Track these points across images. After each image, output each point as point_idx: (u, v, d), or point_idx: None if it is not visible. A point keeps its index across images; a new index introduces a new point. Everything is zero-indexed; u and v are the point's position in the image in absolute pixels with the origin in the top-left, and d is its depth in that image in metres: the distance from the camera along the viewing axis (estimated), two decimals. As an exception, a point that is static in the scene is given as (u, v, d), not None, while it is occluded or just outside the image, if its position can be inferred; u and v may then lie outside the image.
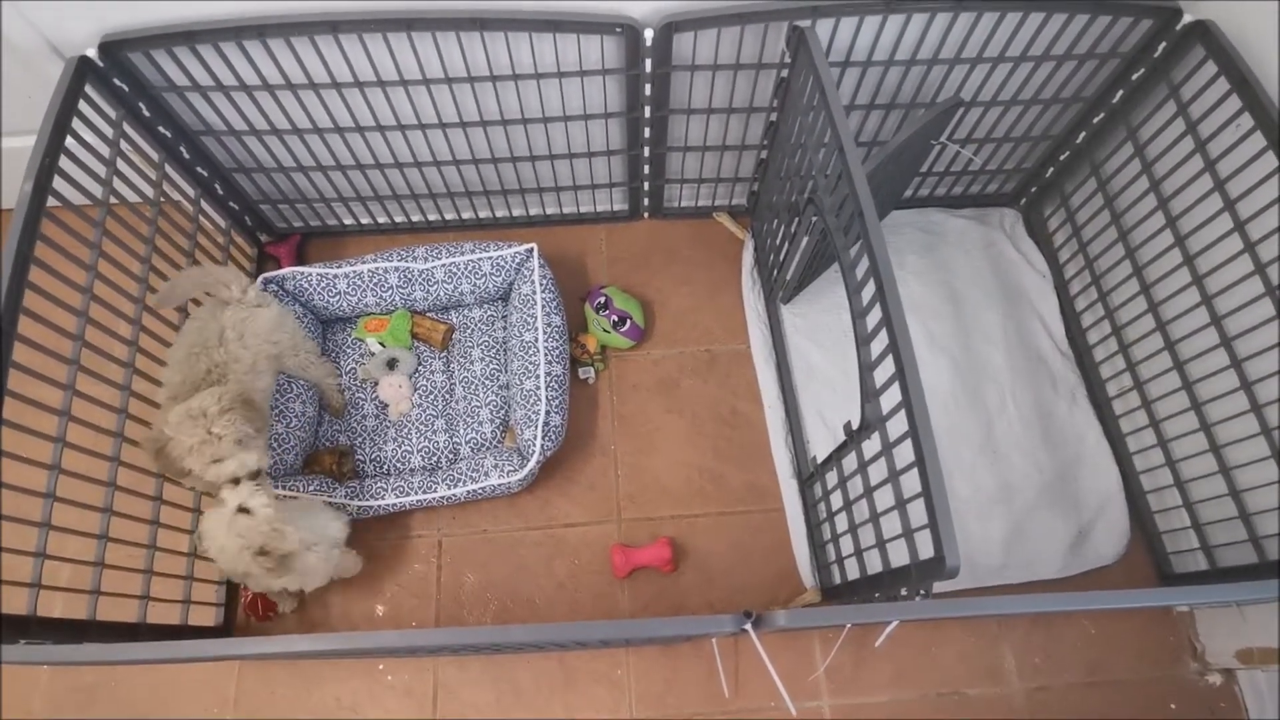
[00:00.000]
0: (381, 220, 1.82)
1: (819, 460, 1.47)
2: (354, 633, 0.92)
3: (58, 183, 1.17)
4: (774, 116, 1.53)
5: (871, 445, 1.19)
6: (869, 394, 1.14)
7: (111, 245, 1.28)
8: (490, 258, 1.63)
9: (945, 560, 0.91)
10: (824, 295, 1.75)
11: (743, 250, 1.83)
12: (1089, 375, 1.69)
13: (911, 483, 1.05)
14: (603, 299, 1.69)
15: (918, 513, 1.01)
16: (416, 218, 1.82)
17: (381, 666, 1.48)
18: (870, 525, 1.21)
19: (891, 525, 1.13)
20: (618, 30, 1.30)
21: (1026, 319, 1.76)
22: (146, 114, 1.38)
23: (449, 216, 1.82)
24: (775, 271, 1.68)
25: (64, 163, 1.19)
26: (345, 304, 1.65)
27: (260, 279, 1.59)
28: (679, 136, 1.61)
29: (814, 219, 1.39)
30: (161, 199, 1.41)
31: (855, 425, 1.22)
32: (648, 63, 1.37)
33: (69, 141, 1.20)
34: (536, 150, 1.60)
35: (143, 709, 1.44)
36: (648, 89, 1.44)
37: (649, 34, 1.31)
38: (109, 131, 1.30)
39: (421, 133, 1.51)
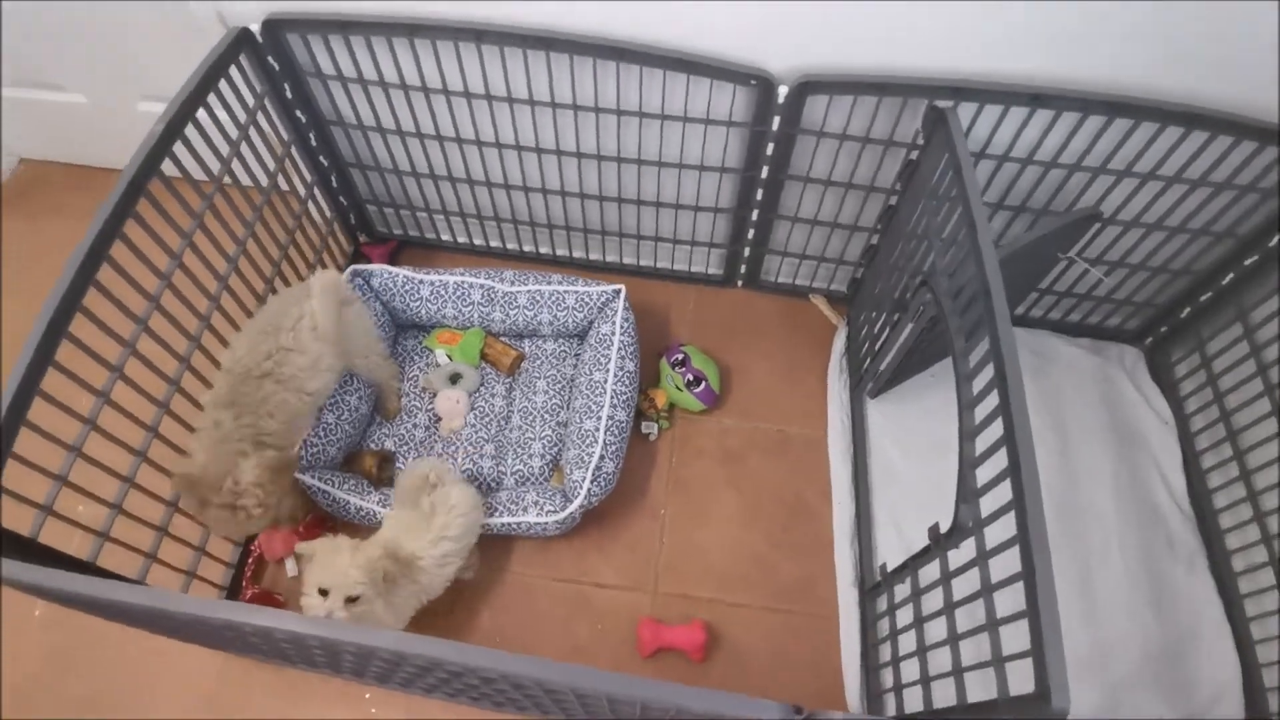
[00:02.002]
0: (477, 242, 1.83)
1: (889, 568, 1.31)
2: (340, 623, 0.82)
3: (179, 149, 1.19)
4: (893, 200, 1.47)
5: (959, 556, 1.05)
6: (967, 494, 1.01)
7: (213, 221, 1.29)
8: (576, 292, 1.59)
9: (1051, 698, 0.74)
10: (915, 397, 1.62)
11: (835, 336, 1.74)
12: (1212, 542, 1.48)
13: (1007, 601, 0.90)
14: (680, 356, 1.62)
15: (1013, 637, 0.85)
16: (511, 245, 1.82)
17: (369, 696, 1.35)
18: (946, 649, 1.04)
19: (974, 651, 0.97)
20: (752, 82, 1.28)
21: (1143, 467, 1.57)
22: (289, 95, 1.44)
23: (543, 250, 1.81)
24: (868, 362, 1.57)
25: (191, 133, 1.21)
26: (424, 311, 1.63)
27: (350, 269, 1.59)
28: (790, 206, 1.56)
29: (921, 307, 1.30)
30: (275, 185, 1.44)
31: (943, 530, 1.07)
32: (776, 120, 1.35)
33: (204, 112, 1.24)
34: (645, 195, 1.58)
35: (116, 686, 1.35)
36: (770, 148, 1.41)
37: (783, 91, 1.29)
38: (249, 102, 1.35)
39: (537, 157, 1.52)
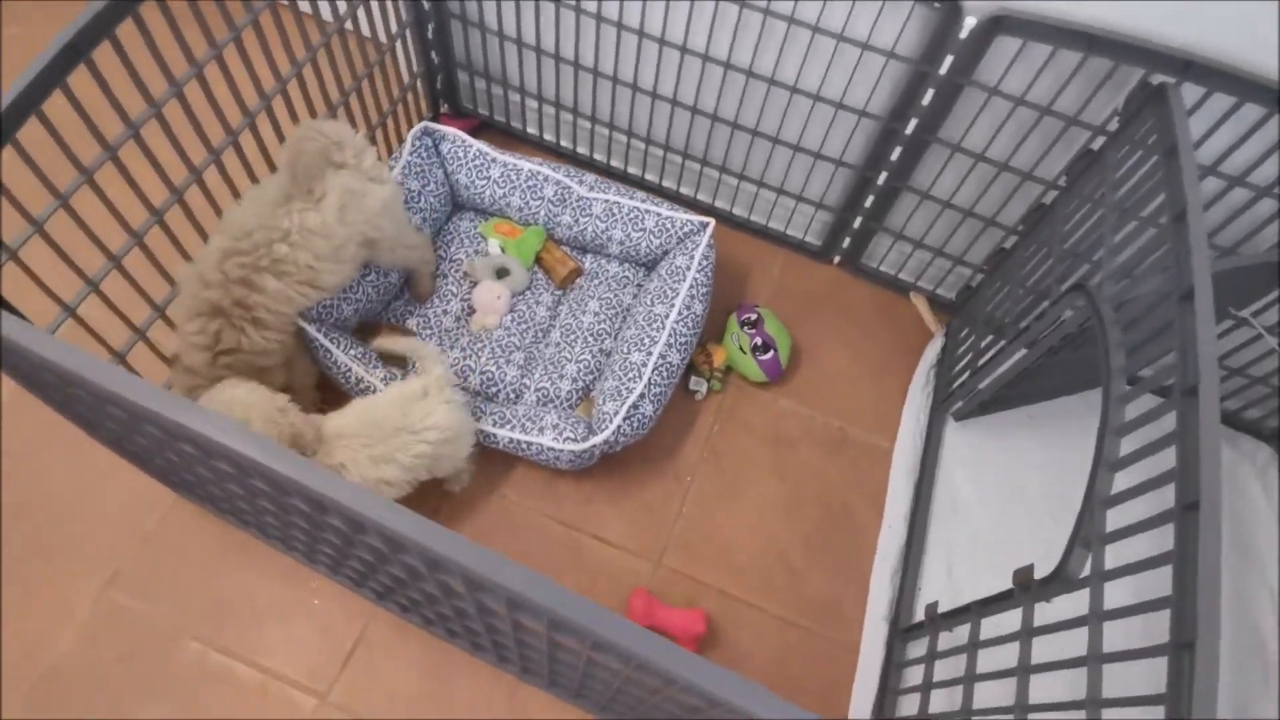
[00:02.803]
0: (564, 144, 1.65)
1: (940, 609, 1.09)
2: (308, 465, 0.64)
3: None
4: (1049, 197, 1.25)
5: (1051, 611, 0.84)
6: (1090, 538, 0.79)
7: (256, 42, 1.08)
8: (659, 214, 1.40)
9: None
10: (1004, 433, 1.40)
11: (929, 344, 1.52)
12: (1321, 689, 1.23)
13: (1115, 677, 0.69)
14: (754, 316, 1.42)
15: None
16: (599, 156, 1.64)
17: (315, 585, 1.18)
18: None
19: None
20: (936, 4, 1.08)
21: (1252, 585, 1.33)
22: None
23: (631, 170, 1.63)
24: (962, 379, 1.35)
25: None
26: (489, 194, 1.45)
27: (421, 125, 1.43)
28: (924, 179, 1.35)
29: (1058, 323, 1.08)
30: (354, 15, 1.26)
31: (1037, 576, 0.86)
32: (947, 61, 1.14)
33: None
34: (764, 125, 1.38)
35: (52, 499, 1.21)
36: (928, 97, 1.20)
37: (969, 22, 1.08)
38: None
39: (658, 49, 1.33)
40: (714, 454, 1.37)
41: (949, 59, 1.14)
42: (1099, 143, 1.14)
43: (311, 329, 1.21)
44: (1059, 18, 1.04)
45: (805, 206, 1.51)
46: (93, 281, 0.97)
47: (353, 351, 1.24)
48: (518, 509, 1.28)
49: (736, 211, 1.61)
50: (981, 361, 1.30)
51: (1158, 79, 1.02)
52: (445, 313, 1.39)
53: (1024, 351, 1.20)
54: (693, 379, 1.42)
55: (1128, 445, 0.81)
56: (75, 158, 0.89)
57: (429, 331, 1.37)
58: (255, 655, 1.13)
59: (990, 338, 1.30)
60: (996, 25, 1.07)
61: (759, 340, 1.40)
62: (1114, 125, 1.11)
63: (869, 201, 1.43)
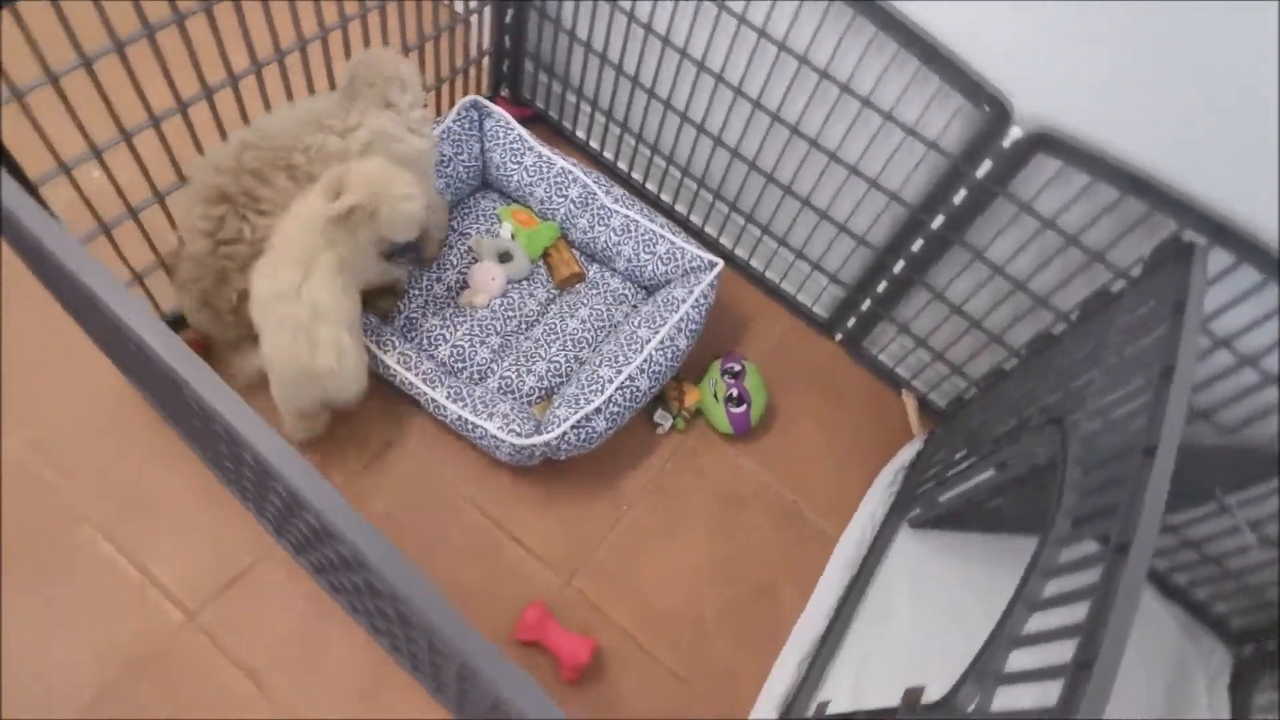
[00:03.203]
0: (607, 154, 1.65)
1: (828, 709, 1.03)
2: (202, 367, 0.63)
3: None
4: (1059, 328, 1.22)
5: (932, 741, 0.78)
6: (985, 674, 0.74)
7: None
8: (672, 242, 1.39)
9: None
10: (957, 551, 1.34)
11: (907, 445, 1.47)
12: None
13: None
14: (738, 367, 1.39)
15: None
16: (636, 174, 1.64)
17: (227, 508, 1.16)
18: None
19: None
20: (986, 108, 1.07)
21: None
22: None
23: (663, 196, 1.63)
24: (928, 486, 1.30)
25: None
26: (516, 179, 1.46)
27: (470, 99, 1.44)
28: (940, 280, 1.32)
29: (1026, 454, 1.04)
30: None
31: (927, 699, 0.81)
32: (985, 165, 1.12)
33: None
34: (798, 184, 1.37)
35: (7, 362, 1.21)
36: (959, 197, 1.18)
37: (1014, 133, 1.06)
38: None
39: (713, 84, 1.33)
40: (659, 491, 1.33)
41: (987, 164, 1.12)
42: (1119, 285, 1.11)
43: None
44: (1104, 150, 1.02)
45: (820, 276, 1.49)
46: (97, 149, 0.99)
47: None
48: (447, 490, 1.25)
49: (754, 263, 1.59)
50: (950, 473, 1.25)
51: (1190, 235, 0.99)
52: (439, 280, 1.39)
53: (992, 473, 1.15)
54: (659, 412, 1.39)
55: (1058, 588, 0.77)
56: (112, 29, 0.91)
57: (417, 291, 1.36)
58: (144, 557, 1.11)
59: (964, 452, 1.25)
60: (1040, 142, 1.05)
61: (735, 392, 1.37)
62: (1137, 272, 1.08)
63: (882, 286, 1.40)
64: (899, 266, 1.35)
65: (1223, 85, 0.92)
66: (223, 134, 1.14)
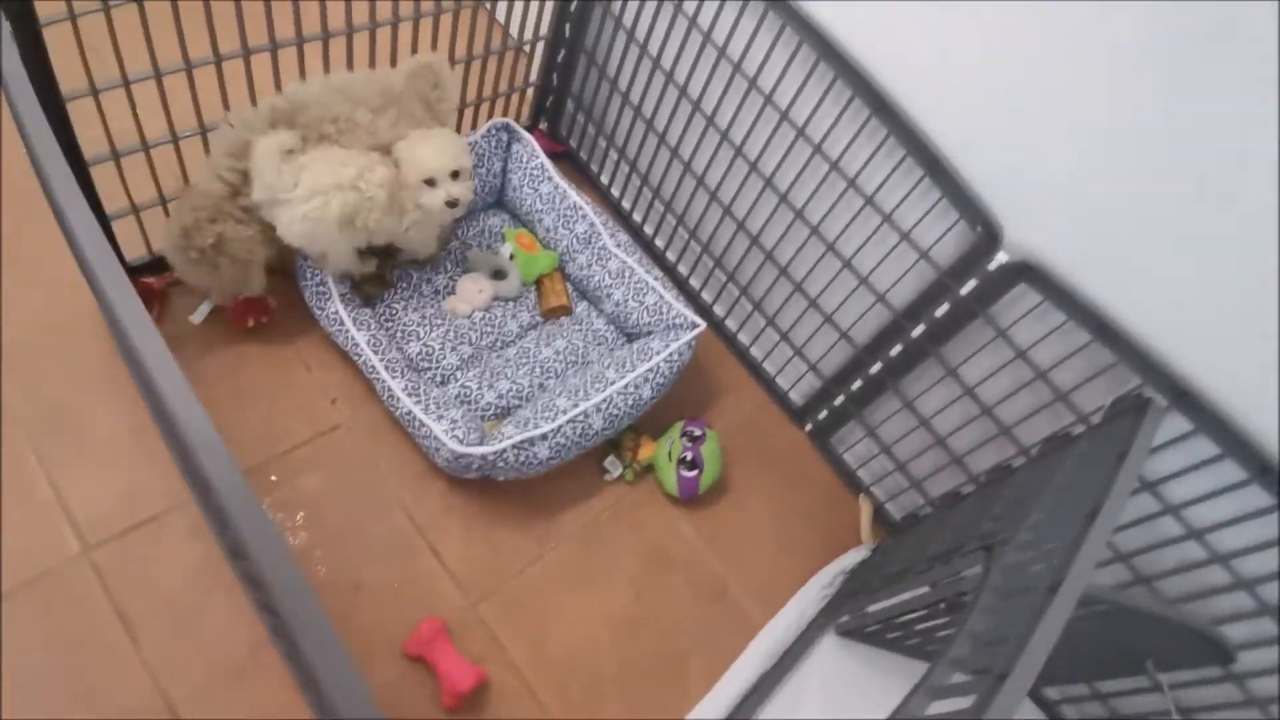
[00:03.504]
0: (625, 204, 1.70)
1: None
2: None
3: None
4: (1019, 461, 1.20)
5: None
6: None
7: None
8: (661, 296, 1.41)
9: None
10: (880, 668, 1.29)
11: (853, 550, 1.44)
12: None
13: None
14: (700, 432, 1.38)
15: None
16: (649, 228, 1.67)
17: (154, 450, 1.15)
18: None
19: None
20: (978, 228, 1.09)
21: None
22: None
23: (670, 255, 1.65)
24: (861, 599, 1.27)
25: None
26: (528, 204, 1.50)
27: (504, 120, 1.50)
28: (912, 389, 1.32)
29: (954, 577, 1.02)
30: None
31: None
32: (969, 284, 1.14)
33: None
34: (795, 268, 1.39)
35: None
36: (941, 310, 1.19)
37: (1002, 257, 1.08)
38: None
39: (731, 155, 1.37)
40: (589, 536, 1.30)
41: (973, 283, 1.13)
42: (1080, 429, 1.10)
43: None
44: (1082, 291, 1.03)
45: (800, 363, 1.49)
46: (127, 79, 1.03)
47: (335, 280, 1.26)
48: (382, 484, 1.24)
49: (741, 337, 1.60)
50: (881, 583, 1.22)
51: (1151, 393, 0.99)
52: (429, 282, 1.41)
53: (924, 590, 1.12)
54: (611, 458, 1.37)
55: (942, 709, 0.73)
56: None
57: (405, 286, 1.38)
58: (62, 478, 1.09)
59: (900, 565, 1.22)
60: (1023, 272, 1.07)
61: (690, 456, 1.35)
62: (1097, 419, 1.07)
63: (857, 385, 1.40)
64: (876, 368, 1.35)
65: (1217, 255, 0.93)
66: (253, 96, 1.18)
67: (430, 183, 1.17)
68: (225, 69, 1.11)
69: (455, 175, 1.18)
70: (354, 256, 1.24)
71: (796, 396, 1.56)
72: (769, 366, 1.58)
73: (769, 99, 1.27)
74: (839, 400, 1.45)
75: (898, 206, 1.18)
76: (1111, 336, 1.02)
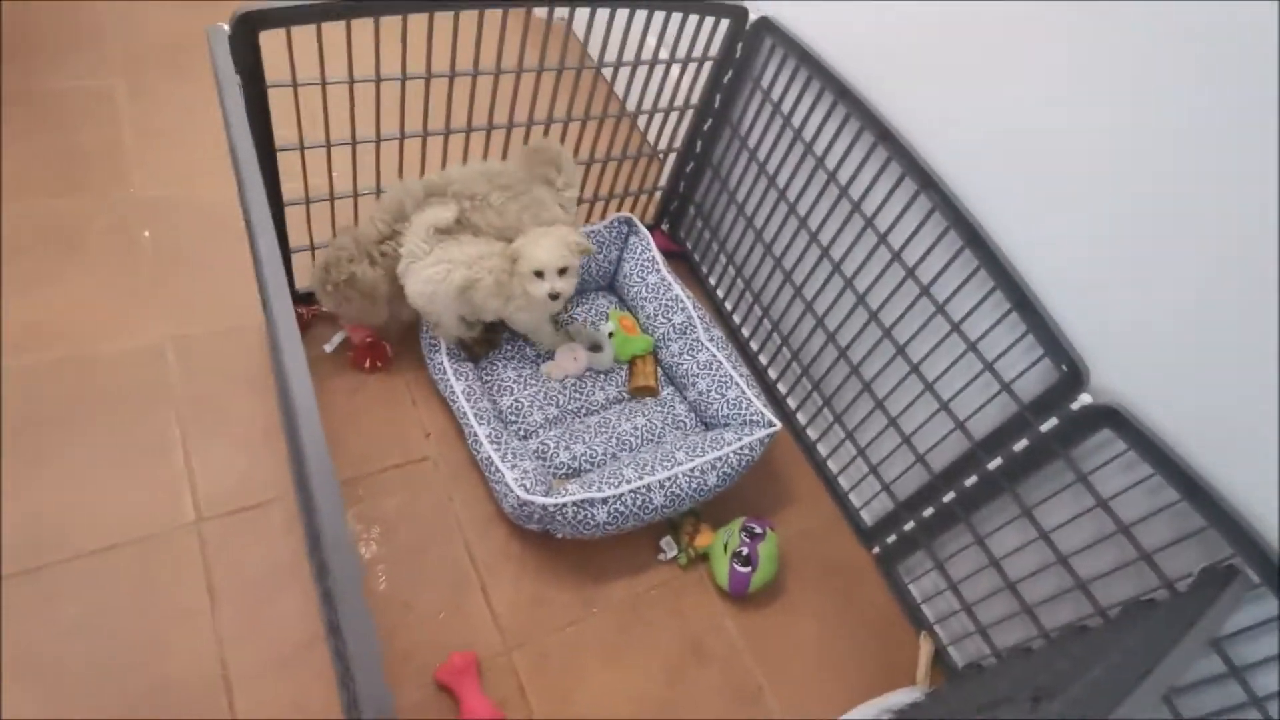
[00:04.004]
0: (728, 305, 1.79)
1: None
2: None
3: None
4: (1094, 623, 1.11)
5: None
6: None
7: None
8: (743, 393, 1.46)
9: None
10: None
11: (904, 690, 1.35)
12: None
13: None
14: (761, 530, 1.38)
15: None
16: (746, 331, 1.75)
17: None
18: None
19: None
20: (1063, 366, 1.08)
21: None
22: (729, 73, 1.57)
23: (763, 360, 1.71)
24: (905, 735, 1.19)
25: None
26: (635, 290, 1.63)
27: (625, 215, 1.66)
28: (986, 526, 1.27)
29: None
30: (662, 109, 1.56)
31: None
32: (1051, 422, 1.11)
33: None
34: (879, 386, 1.41)
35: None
36: (1020, 444, 1.17)
37: (1086, 398, 1.06)
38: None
39: (830, 271, 1.45)
40: (633, 610, 1.32)
41: (1054, 421, 1.11)
42: (1163, 595, 1.02)
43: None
44: (1170, 444, 0.99)
45: (875, 481, 1.47)
46: (330, 142, 1.27)
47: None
48: (451, 519, 1.33)
49: (820, 447, 1.61)
50: (930, 731, 1.14)
51: (1242, 564, 0.92)
52: (533, 346, 1.55)
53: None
54: (667, 539, 1.40)
55: None
56: (379, 66, 1.20)
57: (510, 344, 1.52)
58: (196, 454, 1.27)
59: (948, 710, 1.14)
60: (1108, 417, 1.04)
61: (746, 551, 1.36)
62: (1184, 586, 0.99)
63: (929, 512, 1.36)
64: (949, 497, 1.32)
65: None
66: (423, 168, 1.40)
67: (539, 274, 1.32)
68: (405, 145, 1.34)
69: (562, 272, 1.33)
70: (460, 324, 1.41)
71: (867, 516, 1.53)
72: (843, 481, 1.57)
73: (870, 222, 1.34)
74: (909, 526, 1.41)
75: (983, 336, 1.19)
76: (1203, 499, 0.96)
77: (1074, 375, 1.07)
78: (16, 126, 1.57)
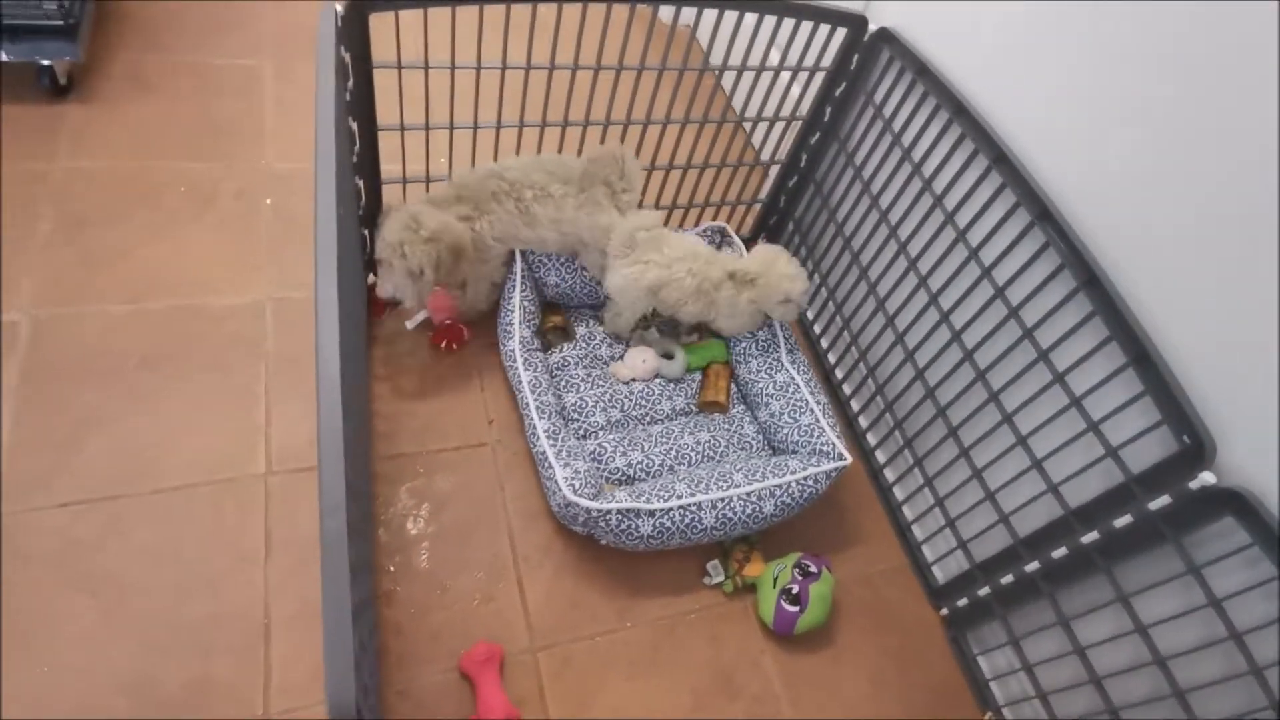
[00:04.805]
0: (816, 328, 1.70)
1: None
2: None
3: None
4: (1190, 741, 0.95)
5: None
6: None
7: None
8: (818, 420, 1.38)
9: None
10: None
11: (957, 768, 1.22)
12: None
13: None
14: (815, 570, 1.29)
15: None
16: (833, 357, 1.65)
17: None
18: None
19: None
20: (1185, 438, 0.93)
21: None
22: (845, 84, 1.49)
23: (847, 390, 1.61)
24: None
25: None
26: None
27: (720, 224, 1.62)
28: (1073, 607, 1.12)
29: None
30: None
31: None
32: (1162, 500, 0.96)
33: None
34: (966, 433, 1.29)
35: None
36: (1123, 521, 1.02)
37: (1207, 477, 0.91)
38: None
39: (937, 319, 1.34)
40: (668, 630, 1.26)
41: (1165, 499, 0.96)
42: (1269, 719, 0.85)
43: (520, 261, 1.44)
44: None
45: (951, 536, 1.34)
46: (429, 125, 1.31)
47: (524, 324, 1.43)
48: (500, 510, 1.33)
49: (896, 490, 1.49)
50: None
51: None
52: (608, 343, 1.53)
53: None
54: (715, 563, 1.34)
55: None
56: (480, 54, 1.23)
57: (580, 350, 1.51)
58: (277, 410, 1.33)
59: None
60: (1234, 503, 0.88)
61: (796, 590, 1.27)
62: (1307, 718, 0.82)
63: (1007, 579, 1.22)
64: (1032, 566, 1.17)
65: None
66: (519, 149, 1.42)
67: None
68: (500, 134, 1.36)
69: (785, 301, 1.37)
70: (640, 321, 1.49)
71: (939, 572, 1.40)
72: (918, 530, 1.44)
73: (974, 253, 1.23)
74: (984, 591, 1.28)
75: (1091, 391, 1.06)
76: (1344, 617, 0.80)
77: (1197, 449, 0.92)
78: (176, 95, 1.73)
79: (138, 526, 1.17)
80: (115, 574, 1.12)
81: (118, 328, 1.36)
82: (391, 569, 1.22)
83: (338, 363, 0.70)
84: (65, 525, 1.16)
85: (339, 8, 1.04)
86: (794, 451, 1.40)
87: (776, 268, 1.38)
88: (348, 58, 1.10)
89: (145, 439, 1.25)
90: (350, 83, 1.14)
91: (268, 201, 1.62)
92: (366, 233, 1.44)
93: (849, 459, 1.33)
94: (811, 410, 1.40)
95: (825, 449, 1.35)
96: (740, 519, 1.26)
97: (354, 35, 1.09)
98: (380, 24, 1.13)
